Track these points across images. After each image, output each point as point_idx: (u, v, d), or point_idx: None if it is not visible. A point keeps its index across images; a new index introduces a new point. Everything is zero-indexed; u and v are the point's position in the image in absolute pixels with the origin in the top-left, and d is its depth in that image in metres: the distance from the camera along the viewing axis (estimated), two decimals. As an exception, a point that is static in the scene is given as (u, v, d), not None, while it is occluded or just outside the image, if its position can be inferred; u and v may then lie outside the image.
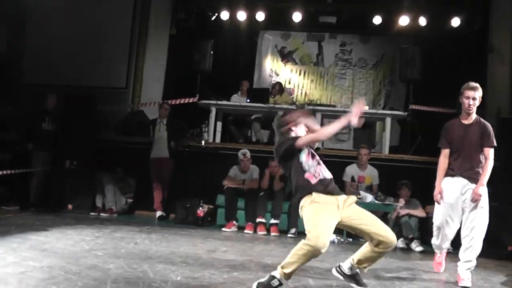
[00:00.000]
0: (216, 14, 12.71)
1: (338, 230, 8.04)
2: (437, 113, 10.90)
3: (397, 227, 7.84)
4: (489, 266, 6.43)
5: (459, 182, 5.37)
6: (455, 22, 11.81)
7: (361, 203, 7.87)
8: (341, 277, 4.48)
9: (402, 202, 8.11)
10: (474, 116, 5.42)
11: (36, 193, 9.12)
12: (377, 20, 12.25)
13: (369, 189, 8.50)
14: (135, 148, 9.86)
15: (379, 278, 5.11)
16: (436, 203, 5.57)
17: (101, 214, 9.05)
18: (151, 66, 11.90)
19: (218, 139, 10.52)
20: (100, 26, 11.59)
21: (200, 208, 8.57)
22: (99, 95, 10.18)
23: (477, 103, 5.36)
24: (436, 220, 5.62)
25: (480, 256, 7.15)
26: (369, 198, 7.97)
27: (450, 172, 5.45)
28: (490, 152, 5.33)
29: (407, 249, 7.62)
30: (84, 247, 5.62)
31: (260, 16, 12.47)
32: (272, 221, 8.22)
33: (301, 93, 13.95)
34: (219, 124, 10.66)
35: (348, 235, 7.98)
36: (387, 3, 12.04)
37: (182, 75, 12.29)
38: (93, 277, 4.19)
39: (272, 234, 8.06)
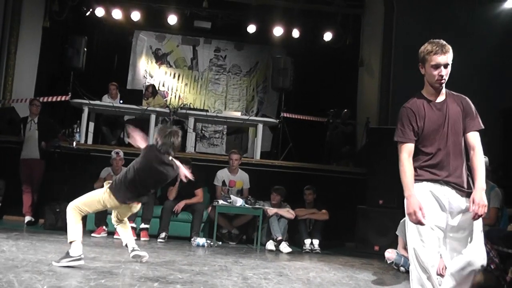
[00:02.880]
0: (91, 10, 12.34)
1: (209, 234, 8.21)
2: (307, 121, 11.42)
3: (266, 228, 8.13)
4: (355, 265, 6.88)
5: (445, 193, 3.55)
6: (328, 36, 12.39)
7: (231, 206, 8.11)
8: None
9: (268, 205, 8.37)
10: (444, 90, 3.69)
11: None
12: (251, 28, 12.55)
13: (240, 193, 8.67)
14: (5, 148, 9.23)
15: (247, 280, 5.23)
16: (410, 228, 3.58)
17: (-34, 219, 8.41)
18: (23, 60, 11.10)
19: (90, 140, 10.20)
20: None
21: (70, 213, 8.23)
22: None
23: (449, 71, 3.59)
24: (423, 258, 3.48)
25: (348, 255, 7.64)
26: (239, 202, 8.13)
27: (427, 176, 3.59)
28: (477, 138, 3.61)
29: (276, 251, 7.85)
30: None
31: (136, 15, 12.32)
32: (142, 225, 8.09)
33: (175, 96, 13.93)
34: (92, 124, 10.33)
35: (218, 239, 8.12)
36: (261, 13, 12.36)
37: (55, 71, 11.75)
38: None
39: (142, 239, 7.93)
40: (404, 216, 3.59)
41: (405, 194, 3.52)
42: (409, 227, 3.57)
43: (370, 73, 11.60)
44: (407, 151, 3.61)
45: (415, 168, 3.59)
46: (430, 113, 3.62)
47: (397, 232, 6.64)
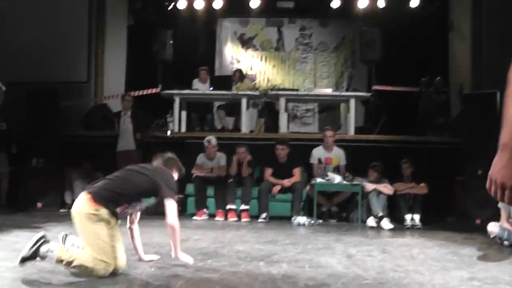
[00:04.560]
0: (173, 3, 12.59)
1: (308, 213, 8.20)
2: (400, 92, 11.10)
3: (366, 205, 8.03)
4: (458, 240, 6.60)
5: None
6: (414, 2, 11.90)
7: (329, 184, 8.07)
8: None
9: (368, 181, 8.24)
10: None
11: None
12: (335, 3, 12.29)
13: (336, 170, 8.60)
14: (101, 142, 9.72)
15: (351, 257, 5.18)
16: None
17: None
18: (111, 58, 11.68)
19: (183, 129, 10.46)
20: (57, 19, 11.24)
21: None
22: (61, 90, 10.00)
23: None
24: None
25: (449, 230, 7.38)
26: (337, 179, 8.07)
27: None
28: None
29: (377, 227, 7.74)
30: (56, 244, 5.51)
31: (218, 3, 12.39)
32: (243, 207, 8.26)
33: (264, 78, 13.96)
34: (184, 113, 10.58)
35: (318, 217, 8.10)
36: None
37: (143, 66, 12.16)
38: (68, 273, 4.13)
39: (243, 220, 8.10)
40: None
41: (501, 141, 1.79)
42: None
43: (460, 37, 11.07)
44: None
45: None
46: None
47: (499, 205, 6.24)
